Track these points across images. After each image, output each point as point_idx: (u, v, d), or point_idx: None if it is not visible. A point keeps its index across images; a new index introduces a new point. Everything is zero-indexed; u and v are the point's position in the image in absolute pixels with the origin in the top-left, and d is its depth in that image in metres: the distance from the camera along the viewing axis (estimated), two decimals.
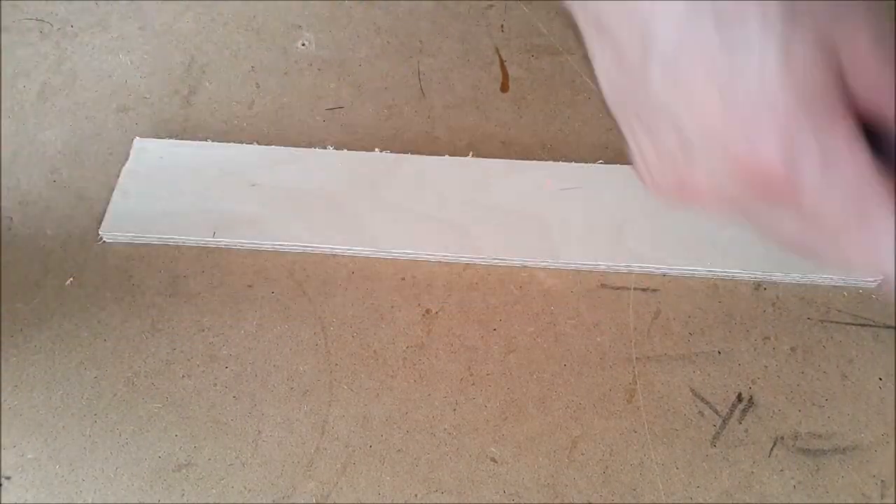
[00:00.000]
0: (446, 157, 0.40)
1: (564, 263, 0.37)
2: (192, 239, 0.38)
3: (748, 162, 0.22)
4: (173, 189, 0.39)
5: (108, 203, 0.40)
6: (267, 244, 0.38)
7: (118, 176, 0.40)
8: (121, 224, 0.38)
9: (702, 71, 0.22)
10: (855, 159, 0.21)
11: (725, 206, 0.25)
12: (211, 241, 0.38)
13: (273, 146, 0.41)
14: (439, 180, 0.39)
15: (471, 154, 0.41)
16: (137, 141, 0.41)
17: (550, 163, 0.40)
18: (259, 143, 0.42)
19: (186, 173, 0.40)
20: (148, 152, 0.40)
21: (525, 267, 0.38)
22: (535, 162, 0.40)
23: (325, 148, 0.41)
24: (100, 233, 0.38)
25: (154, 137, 0.42)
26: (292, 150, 0.41)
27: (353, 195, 0.39)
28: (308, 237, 0.38)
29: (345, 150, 0.41)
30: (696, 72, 0.22)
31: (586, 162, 0.41)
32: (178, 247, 0.39)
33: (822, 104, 0.21)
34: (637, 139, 0.26)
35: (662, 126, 0.24)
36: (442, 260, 0.38)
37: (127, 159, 0.40)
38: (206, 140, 0.42)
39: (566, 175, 0.40)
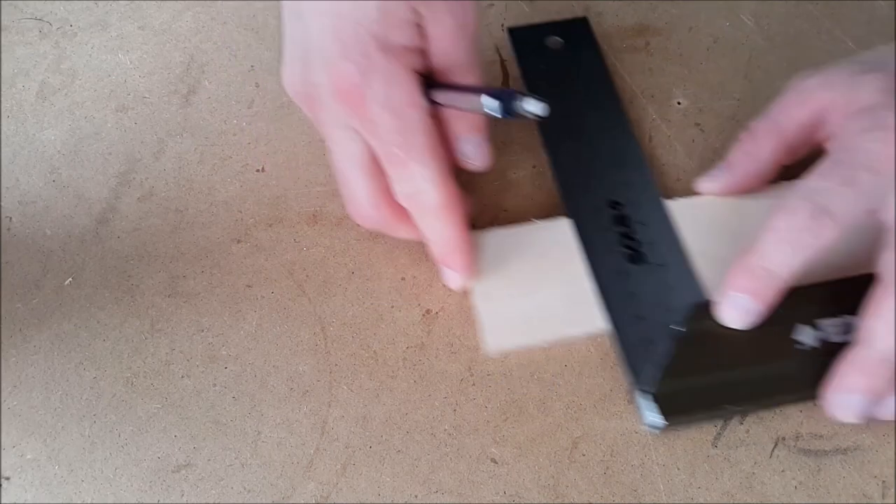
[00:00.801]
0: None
1: None
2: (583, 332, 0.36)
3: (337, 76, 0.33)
4: (533, 282, 0.36)
5: (107, 203, 0.40)
6: None
7: (116, 176, 0.40)
8: (501, 334, 0.35)
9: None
10: (407, 88, 0.33)
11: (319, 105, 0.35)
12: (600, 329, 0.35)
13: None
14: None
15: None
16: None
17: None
18: (259, 143, 0.41)
19: (534, 260, 0.37)
20: (482, 248, 0.37)
21: None
22: None
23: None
24: (487, 349, 0.35)
25: (153, 135, 0.42)
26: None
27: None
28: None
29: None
30: None
31: None
32: (177, 246, 0.39)
33: (396, 47, 0.33)
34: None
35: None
36: None
37: (127, 160, 0.40)
38: (205, 139, 0.42)
39: None
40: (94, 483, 0.33)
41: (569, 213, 0.38)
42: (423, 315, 0.37)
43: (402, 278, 0.38)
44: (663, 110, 0.43)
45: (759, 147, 0.37)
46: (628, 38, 0.45)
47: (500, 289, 0.36)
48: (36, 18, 0.47)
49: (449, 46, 0.34)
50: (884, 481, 0.33)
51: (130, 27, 0.46)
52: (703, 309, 0.34)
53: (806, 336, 0.34)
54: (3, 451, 0.33)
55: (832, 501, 0.32)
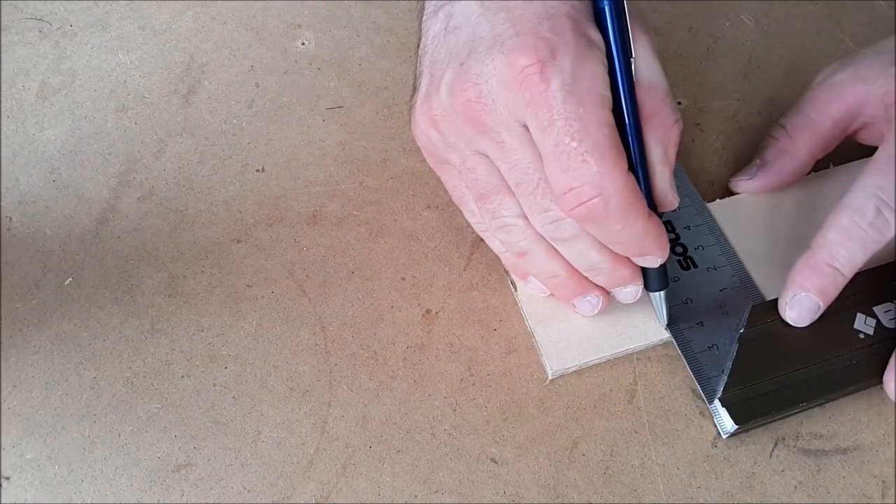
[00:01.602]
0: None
1: None
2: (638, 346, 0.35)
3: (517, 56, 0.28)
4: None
5: (107, 203, 0.40)
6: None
7: (116, 176, 0.40)
8: (562, 355, 0.35)
9: None
10: (598, 76, 0.28)
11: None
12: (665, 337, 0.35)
13: None
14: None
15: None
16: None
17: None
18: (259, 143, 0.41)
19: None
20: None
21: None
22: None
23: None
24: (548, 373, 0.35)
25: (153, 135, 0.42)
26: None
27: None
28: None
29: None
30: None
31: None
32: (177, 246, 0.39)
33: (590, 37, 0.29)
34: None
35: None
36: None
37: (127, 159, 0.40)
38: (205, 139, 0.42)
39: None
40: (94, 483, 0.33)
41: None
42: (423, 315, 0.37)
43: (402, 278, 0.38)
44: None
45: (794, 145, 0.38)
46: None
47: (553, 308, 0.36)
48: (36, 18, 0.47)
49: (642, 64, 0.30)
50: (884, 481, 0.33)
51: (130, 27, 0.46)
52: (762, 310, 0.35)
53: (864, 325, 0.34)
54: (3, 451, 0.33)
55: (832, 501, 0.32)
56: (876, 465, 0.33)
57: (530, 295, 0.36)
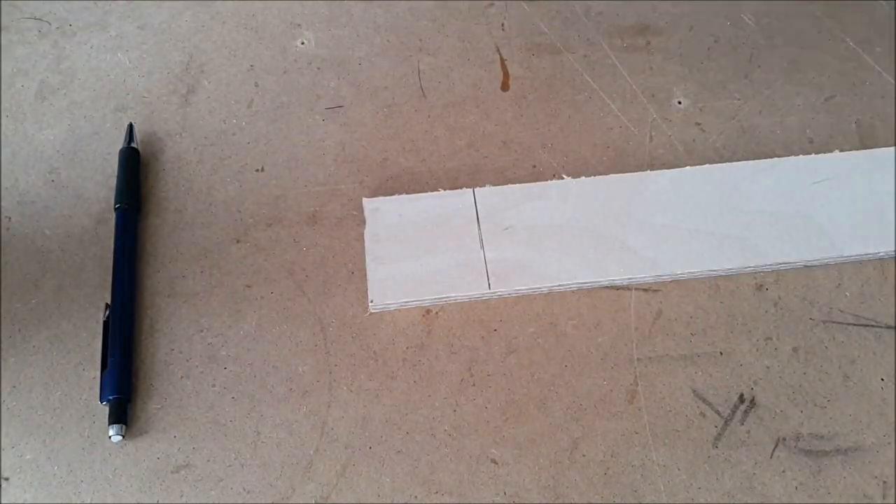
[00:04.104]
0: (686, 168, 0.39)
1: (846, 258, 0.37)
2: (465, 295, 0.37)
3: None
4: (426, 246, 0.37)
5: (106, 202, 0.40)
6: (545, 287, 0.37)
7: (115, 176, 0.40)
8: (385, 292, 0.36)
9: None
10: None
11: None
12: (486, 293, 0.36)
13: (504, 186, 0.39)
14: (687, 192, 0.39)
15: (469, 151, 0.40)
16: (367, 202, 0.39)
17: (792, 158, 0.40)
18: (258, 142, 0.41)
19: (432, 227, 0.38)
20: (382, 213, 0.38)
21: (807, 267, 0.37)
22: (776, 159, 0.40)
23: (552, 180, 0.39)
24: (370, 305, 0.36)
25: (152, 135, 0.42)
26: (527, 186, 0.39)
27: (609, 222, 0.38)
28: (585, 273, 0.37)
29: (582, 178, 0.39)
30: None
31: (588, 161, 0.41)
32: (177, 246, 0.39)
33: None
34: None
35: None
36: (728, 274, 0.37)
37: None
38: (204, 139, 0.42)
39: (815, 167, 0.39)
40: (94, 483, 0.33)
41: None
42: (423, 315, 0.37)
43: None
44: (664, 110, 0.43)
45: None
46: (629, 38, 0.45)
47: (393, 251, 0.37)
48: (35, 18, 0.47)
49: None
50: (884, 482, 0.33)
51: (130, 27, 0.46)
52: None
53: None
54: (2, 452, 0.33)
55: (833, 502, 0.32)
56: (877, 465, 0.33)
57: (376, 233, 0.38)
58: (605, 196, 0.39)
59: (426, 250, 0.37)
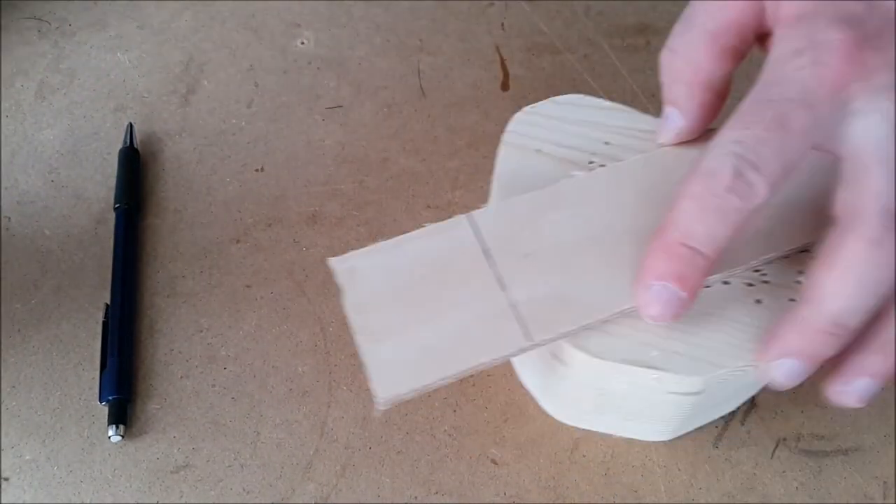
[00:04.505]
0: None
1: None
2: (501, 356, 0.27)
3: None
4: (430, 305, 0.27)
5: (106, 202, 0.40)
6: (598, 321, 0.27)
7: (114, 176, 0.40)
8: (394, 379, 0.26)
9: None
10: None
11: None
12: (527, 345, 0.27)
13: (505, 202, 0.29)
14: None
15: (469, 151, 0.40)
16: (336, 262, 0.28)
17: None
18: (258, 142, 0.41)
19: (431, 276, 0.28)
20: (361, 273, 0.28)
21: None
22: None
23: (560, 181, 0.30)
24: (376, 402, 0.26)
25: (152, 135, 0.42)
26: (534, 195, 0.29)
27: (649, 215, 0.28)
28: (627, 297, 0.27)
29: (597, 168, 0.31)
30: None
31: None
32: (176, 246, 0.39)
33: None
34: None
35: None
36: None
37: None
38: (204, 139, 0.42)
39: None
40: (93, 483, 0.33)
41: None
42: None
43: None
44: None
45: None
46: (629, 37, 0.45)
47: (389, 321, 0.27)
48: (35, 18, 0.47)
49: None
50: (885, 482, 0.33)
51: (129, 26, 0.46)
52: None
53: None
54: (1, 452, 0.33)
55: (833, 502, 0.32)
56: (877, 465, 0.33)
57: (361, 303, 0.27)
58: (633, 183, 0.30)
59: (432, 310, 0.27)
